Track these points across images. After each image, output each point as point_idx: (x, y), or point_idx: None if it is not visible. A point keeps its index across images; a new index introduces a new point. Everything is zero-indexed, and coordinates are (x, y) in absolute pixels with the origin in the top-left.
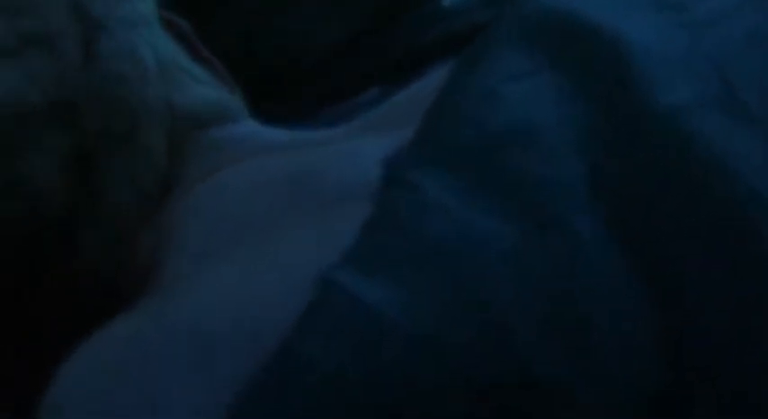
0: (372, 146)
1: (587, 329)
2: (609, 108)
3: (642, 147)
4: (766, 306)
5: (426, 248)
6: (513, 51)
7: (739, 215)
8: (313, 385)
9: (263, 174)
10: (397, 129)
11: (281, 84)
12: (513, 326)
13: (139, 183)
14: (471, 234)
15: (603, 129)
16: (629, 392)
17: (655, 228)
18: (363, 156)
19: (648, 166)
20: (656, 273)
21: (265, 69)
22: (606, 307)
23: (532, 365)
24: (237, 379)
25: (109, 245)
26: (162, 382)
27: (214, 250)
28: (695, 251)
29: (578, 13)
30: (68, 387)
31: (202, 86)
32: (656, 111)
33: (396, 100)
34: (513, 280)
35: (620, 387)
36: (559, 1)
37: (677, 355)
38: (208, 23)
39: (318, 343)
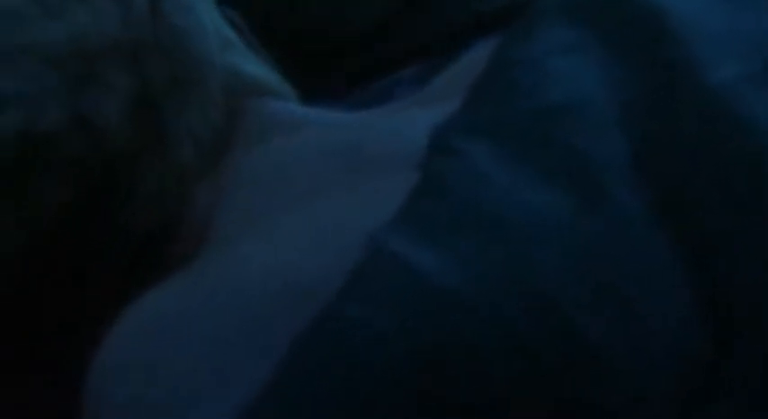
0: (421, 117)
1: (632, 298)
2: (655, 83)
3: (688, 122)
4: None
5: (474, 216)
6: (561, 26)
7: None
8: (359, 346)
9: (314, 145)
10: (444, 103)
11: (312, 64)
12: (560, 294)
13: (198, 136)
14: (519, 203)
15: (650, 104)
16: (672, 359)
17: (698, 203)
18: (412, 128)
19: (694, 141)
20: (699, 246)
21: (298, 49)
22: (649, 276)
23: (577, 331)
24: (285, 342)
25: (168, 193)
26: (210, 347)
27: (264, 214)
28: (740, 226)
29: None
30: (117, 352)
31: (258, 63)
32: (702, 88)
33: (441, 77)
34: (559, 250)
35: (663, 354)
36: None
37: (718, 325)
38: (241, 3)
39: (366, 306)
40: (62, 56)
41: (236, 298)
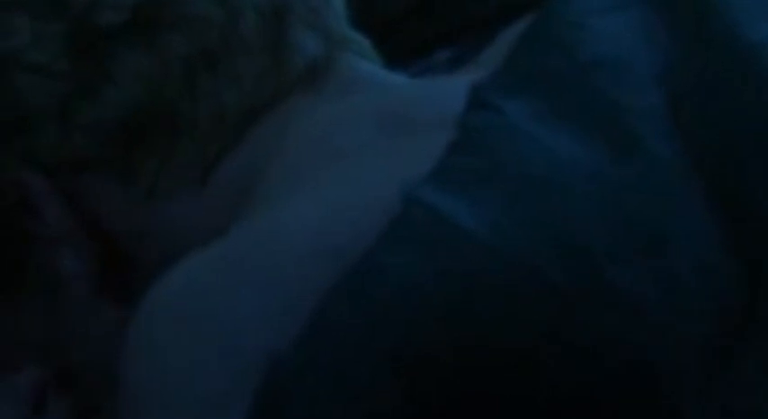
0: (463, 82)
1: (666, 247)
2: (694, 42)
3: (726, 79)
4: None
5: (509, 169)
6: None
7: None
8: (393, 292)
9: (359, 107)
10: (485, 69)
11: None
12: (592, 243)
13: (225, 104)
14: (556, 156)
15: (688, 62)
16: (703, 306)
17: (734, 154)
18: (454, 91)
19: (731, 96)
20: (732, 196)
21: None
22: (684, 228)
23: (609, 278)
24: (316, 292)
25: (201, 150)
26: (247, 301)
27: (306, 173)
28: None
29: None
30: (158, 307)
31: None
32: (740, 46)
33: (485, 53)
34: (593, 200)
35: (695, 301)
36: None
37: (749, 272)
38: None
39: (400, 254)
40: None
41: (273, 253)
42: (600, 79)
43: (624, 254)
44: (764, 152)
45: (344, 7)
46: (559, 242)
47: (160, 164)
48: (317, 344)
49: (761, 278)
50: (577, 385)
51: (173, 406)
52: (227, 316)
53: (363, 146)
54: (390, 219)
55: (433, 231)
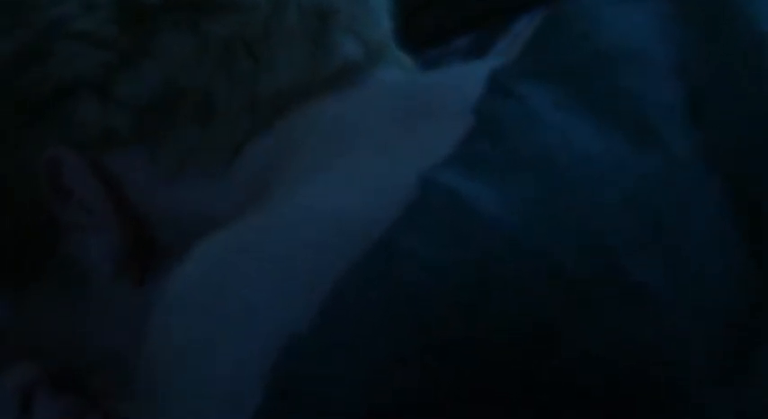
0: (481, 68)
1: (681, 240)
2: (712, 34)
3: (744, 73)
4: None
5: (528, 156)
6: None
7: None
8: (411, 276)
9: (378, 95)
10: (502, 57)
11: None
12: (609, 233)
13: (258, 92)
14: (577, 147)
15: (706, 55)
16: (718, 300)
17: (752, 149)
18: (472, 77)
19: (749, 90)
20: (750, 192)
21: None
22: (699, 220)
23: (625, 269)
24: (336, 274)
25: (229, 135)
26: (265, 283)
27: (325, 160)
28: None
29: None
30: (176, 291)
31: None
32: (759, 39)
33: (502, 43)
34: (610, 191)
35: (710, 296)
36: None
37: (764, 280)
38: None
39: (418, 236)
40: None
41: (291, 236)
42: (617, 69)
43: (642, 249)
44: None
45: (390, 24)
46: (577, 233)
47: (190, 141)
48: (335, 325)
49: None
50: (592, 378)
51: (190, 390)
52: (245, 299)
53: (383, 132)
54: (410, 202)
55: (451, 216)
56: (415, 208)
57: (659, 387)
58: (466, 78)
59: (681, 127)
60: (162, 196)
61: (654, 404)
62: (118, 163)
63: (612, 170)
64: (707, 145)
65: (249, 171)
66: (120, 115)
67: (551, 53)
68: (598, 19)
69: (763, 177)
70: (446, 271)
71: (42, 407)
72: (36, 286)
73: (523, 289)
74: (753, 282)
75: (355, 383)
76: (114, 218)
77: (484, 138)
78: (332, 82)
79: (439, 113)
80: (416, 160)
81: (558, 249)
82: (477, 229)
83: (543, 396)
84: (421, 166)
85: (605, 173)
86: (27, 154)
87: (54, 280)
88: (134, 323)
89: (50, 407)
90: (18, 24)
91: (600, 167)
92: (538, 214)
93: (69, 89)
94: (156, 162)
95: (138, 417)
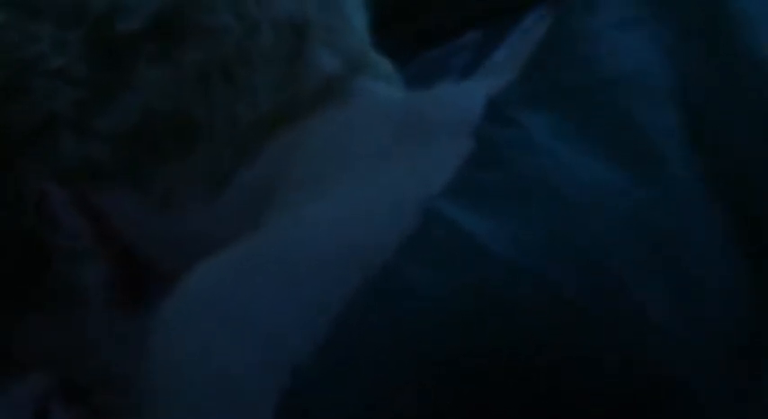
0: (478, 87)
1: (683, 265)
2: (711, 57)
3: (744, 96)
4: None
5: (528, 185)
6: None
7: None
8: (413, 309)
9: (375, 112)
10: (501, 75)
11: (379, 24)
12: (610, 260)
13: (239, 115)
14: (574, 173)
15: (705, 78)
16: (720, 324)
17: (750, 178)
18: (469, 97)
19: (749, 116)
20: (751, 219)
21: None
22: (701, 245)
23: (627, 296)
24: (339, 299)
25: (215, 160)
26: (266, 304)
27: (325, 179)
28: None
29: None
30: (178, 311)
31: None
32: (758, 61)
33: (499, 53)
34: (612, 219)
35: (712, 320)
36: None
37: (765, 301)
38: None
39: (420, 270)
40: None
41: (294, 255)
42: (621, 96)
43: (641, 269)
44: None
45: (366, 29)
46: (575, 256)
47: (175, 172)
48: (341, 351)
49: None
50: (593, 399)
51: (191, 405)
52: (249, 317)
53: (381, 150)
54: (412, 232)
55: (452, 247)
56: (417, 238)
57: (661, 407)
58: (464, 97)
59: (681, 151)
60: (156, 224)
61: None
62: (106, 195)
63: (612, 195)
64: (707, 168)
65: (243, 194)
66: (101, 148)
67: (551, 77)
68: (598, 42)
69: (763, 200)
70: (445, 298)
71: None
72: (33, 308)
73: (522, 311)
74: (754, 304)
75: (357, 409)
76: (103, 248)
77: (484, 166)
78: (317, 99)
79: (437, 132)
80: (416, 180)
81: (557, 271)
82: (477, 259)
83: (541, 416)
84: (420, 191)
85: (605, 198)
86: (12, 186)
87: (50, 304)
88: (133, 344)
89: (64, 418)
90: None
91: (599, 193)
92: (536, 242)
93: (48, 124)
94: (143, 192)
95: None
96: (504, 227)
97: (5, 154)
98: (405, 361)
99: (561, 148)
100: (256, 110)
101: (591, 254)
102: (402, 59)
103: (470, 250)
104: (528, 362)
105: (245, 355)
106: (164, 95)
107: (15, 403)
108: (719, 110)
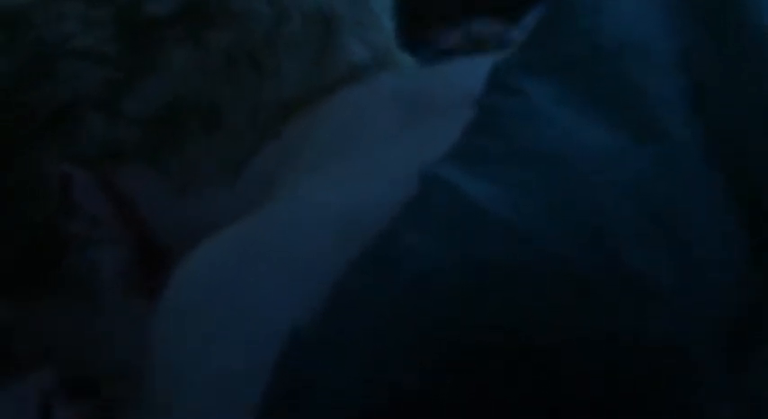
0: (483, 62)
1: (681, 232)
2: (714, 26)
3: (746, 65)
4: None
5: (528, 150)
6: None
7: None
8: (412, 271)
9: (382, 91)
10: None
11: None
12: (610, 225)
13: (264, 101)
14: (576, 140)
15: (708, 47)
16: (719, 293)
17: (751, 148)
18: (474, 71)
19: (751, 84)
20: (751, 186)
21: None
22: (700, 212)
23: (625, 260)
24: (340, 269)
25: (237, 145)
26: (268, 277)
27: (328, 157)
28: None
29: None
30: (178, 290)
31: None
32: (762, 33)
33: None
34: (612, 183)
35: (710, 288)
36: None
37: (764, 271)
38: None
39: (419, 234)
40: None
41: (293, 231)
42: (623, 64)
43: (642, 239)
44: None
45: (392, 27)
46: (576, 226)
47: (195, 155)
48: (338, 319)
49: None
50: (592, 368)
51: (192, 389)
52: (247, 294)
53: (385, 126)
54: (411, 198)
55: (452, 212)
56: (416, 204)
57: (659, 377)
58: (469, 72)
59: (682, 119)
60: (174, 209)
61: (654, 393)
62: (128, 178)
63: (613, 163)
64: (708, 137)
65: (257, 178)
66: (127, 130)
67: (553, 46)
68: (601, 11)
69: (763, 169)
70: (446, 266)
71: (62, 415)
72: (47, 298)
73: (522, 282)
74: (753, 274)
75: (355, 378)
76: (123, 234)
77: (485, 133)
78: (339, 86)
79: (442, 107)
80: (418, 154)
81: (558, 242)
82: (478, 225)
83: (543, 390)
84: (423, 160)
85: (606, 166)
86: (34, 170)
87: (65, 293)
88: (145, 334)
89: (69, 416)
90: (19, 43)
91: (600, 161)
92: (537, 208)
93: (74, 106)
94: (165, 176)
95: None
96: (504, 192)
97: (27, 136)
98: (403, 330)
99: (563, 116)
100: (281, 96)
101: (591, 222)
102: (417, 37)
103: (471, 215)
104: (527, 332)
105: (245, 354)
106: (190, 79)
107: (19, 397)
108: (722, 79)
